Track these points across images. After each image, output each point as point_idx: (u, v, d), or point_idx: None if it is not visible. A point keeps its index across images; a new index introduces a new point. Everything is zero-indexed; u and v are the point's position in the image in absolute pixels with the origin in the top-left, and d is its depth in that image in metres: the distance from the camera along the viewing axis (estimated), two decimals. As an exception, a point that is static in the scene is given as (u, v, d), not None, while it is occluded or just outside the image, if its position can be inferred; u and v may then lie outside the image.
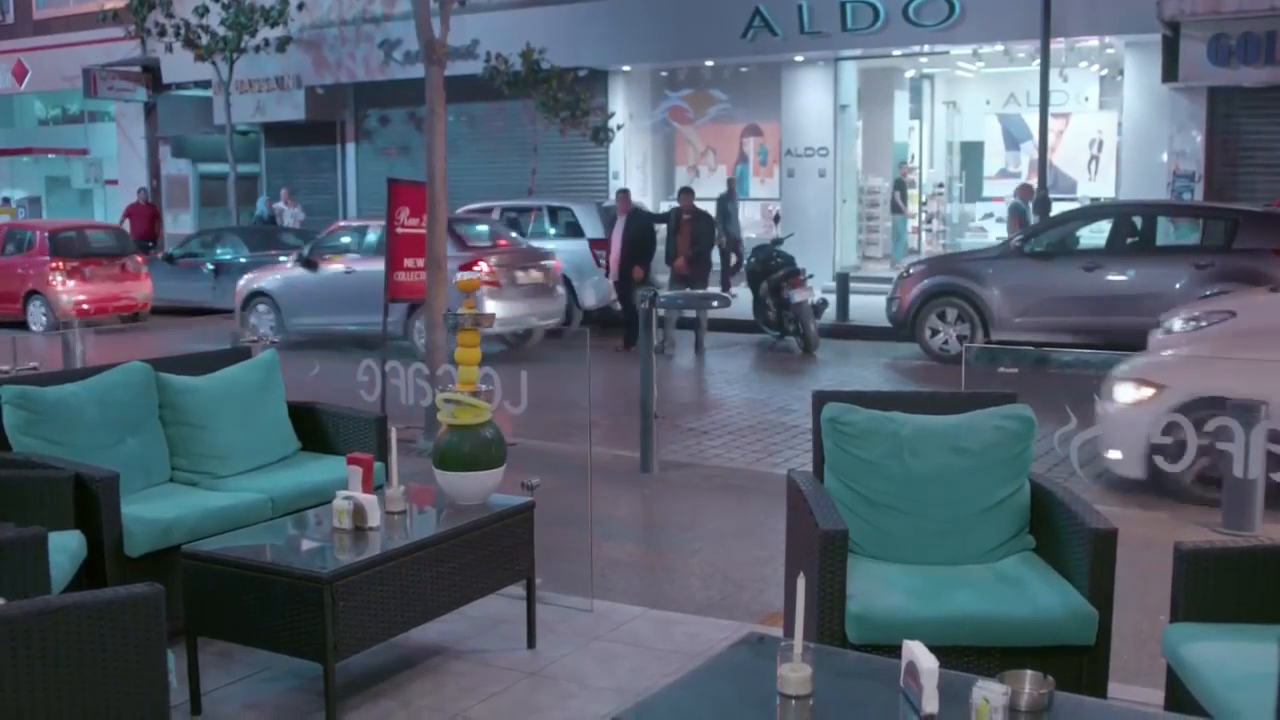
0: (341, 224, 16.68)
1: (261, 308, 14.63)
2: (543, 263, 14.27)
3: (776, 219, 20.35)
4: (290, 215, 23.07)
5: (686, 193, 14.78)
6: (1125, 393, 6.95)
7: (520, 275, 13.74)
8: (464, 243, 13.66)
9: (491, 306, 12.17)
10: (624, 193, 14.99)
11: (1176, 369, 7.02)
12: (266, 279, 14.97)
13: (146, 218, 24.15)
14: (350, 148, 25.48)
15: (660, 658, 4.61)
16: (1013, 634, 3.69)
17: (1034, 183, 17.24)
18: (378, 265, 10.32)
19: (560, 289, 14.65)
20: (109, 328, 16.21)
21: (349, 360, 6.66)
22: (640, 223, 14.41)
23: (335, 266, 14.40)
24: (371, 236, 14.27)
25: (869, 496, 4.24)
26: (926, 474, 4.21)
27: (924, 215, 23.12)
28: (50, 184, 31.82)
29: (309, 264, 14.58)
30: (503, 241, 14.61)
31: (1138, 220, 13.32)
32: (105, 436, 4.98)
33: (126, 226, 22.45)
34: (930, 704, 2.79)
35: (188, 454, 5.31)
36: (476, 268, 12.88)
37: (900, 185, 21.87)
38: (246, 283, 15.27)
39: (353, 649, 4.02)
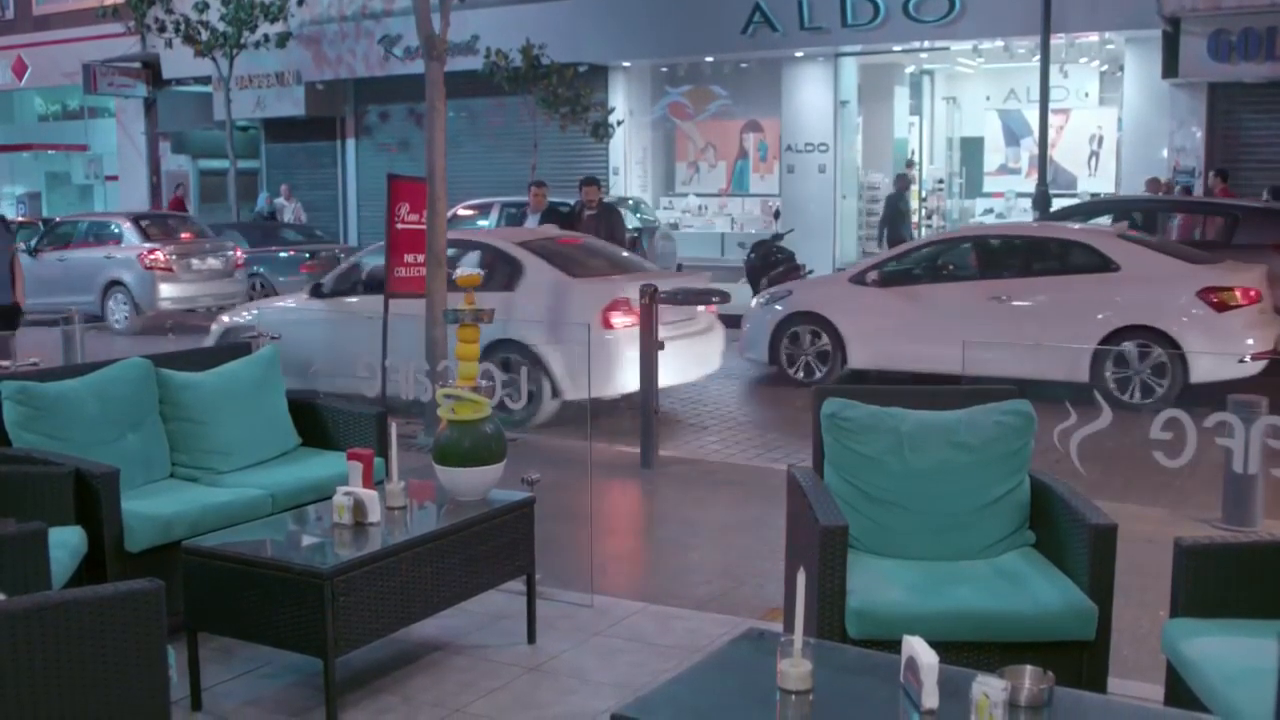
0: (60, 218, 19.72)
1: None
2: (222, 253, 17.13)
3: (777, 215, 20.35)
4: (290, 211, 23.07)
5: (591, 184, 12.11)
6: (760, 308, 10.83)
7: (196, 262, 16.69)
8: (147, 235, 17.01)
9: (167, 290, 16.30)
10: (540, 185, 12.76)
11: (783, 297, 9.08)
12: None
13: (185, 210, 24.22)
14: (350, 143, 25.48)
15: (660, 653, 4.61)
16: (1013, 629, 3.69)
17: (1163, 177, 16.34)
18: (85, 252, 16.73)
19: (239, 275, 17.28)
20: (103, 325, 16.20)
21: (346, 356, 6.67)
22: (554, 222, 11.98)
23: (52, 254, 17.37)
24: (82, 225, 18.05)
25: (869, 492, 4.24)
26: (926, 469, 4.21)
27: (924, 211, 23.11)
28: (50, 180, 31.82)
29: (33, 253, 17.00)
30: (186, 235, 17.53)
31: (1138, 216, 13.31)
32: (105, 432, 4.98)
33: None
34: (930, 699, 2.80)
35: (188, 450, 5.31)
36: (152, 257, 16.34)
37: (901, 197, 21.69)
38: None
39: (353, 644, 4.02)
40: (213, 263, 16.88)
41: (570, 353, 8.67)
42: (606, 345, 8.73)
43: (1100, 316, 9.98)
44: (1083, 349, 9.81)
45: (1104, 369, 9.91)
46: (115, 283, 16.74)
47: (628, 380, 8.50)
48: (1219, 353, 9.62)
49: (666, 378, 8.37)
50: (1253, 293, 9.99)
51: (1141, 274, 10.04)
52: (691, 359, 9.57)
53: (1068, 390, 5.60)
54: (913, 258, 11.39)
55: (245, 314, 10.78)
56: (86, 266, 17.00)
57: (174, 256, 16.56)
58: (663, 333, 8.13)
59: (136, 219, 17.91)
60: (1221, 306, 9.79)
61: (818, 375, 10.98)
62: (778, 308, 11.34)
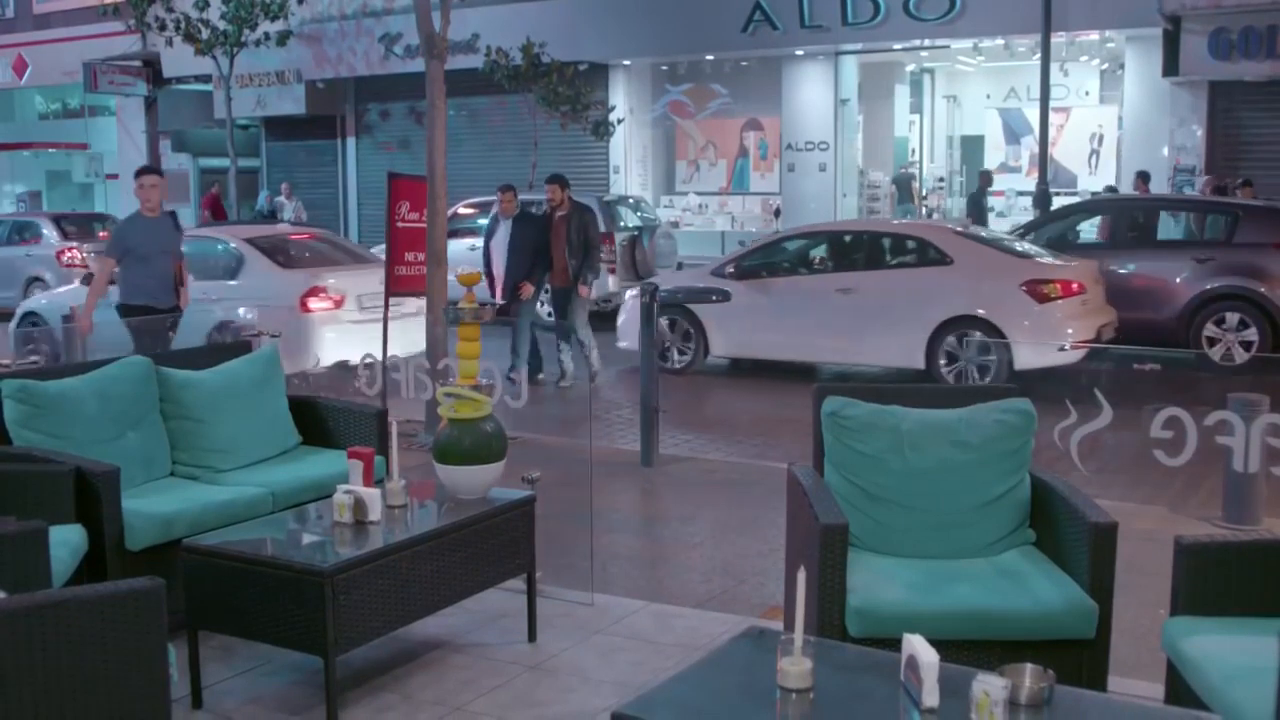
0: None
1: None
2: None
3: (777, 213, 20.36)
4: (291, 210, 23.07)
5: (557, 183, 11.08)
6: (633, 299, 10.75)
7: None
8: (65, 234, 17.82)
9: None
10: (509, 190, 11.23)
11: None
12: None
13: (221, 207, 24.26)
14: (350, 142, 25.49)
15: (661, 651, 4.61)
16: (1013, 628, 3.69)
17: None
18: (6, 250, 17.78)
19: None
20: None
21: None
22: (530, 228, 11.05)
23: None
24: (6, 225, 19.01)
25: (869, 490, 4.24)
26: (927, 468, 4.21)
27: (924, 210, 23.11)
28: (51, 178, 31.82)
29: None
30: (104, 234, 17.46)
31: (1139, 214, 13.31)
32: (106, 430, 4.98)
33: (207, 216, 23.19)
34: (930, 698, 2.80)
35: (188, 448, 5.31)
36: (69, 255, 16.81)
37: (903, 181, 21.87)
38: None
39: (353, 642, 4.02)
40: None
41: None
42: (303, 325, 10.35)
43: (934, 307, 10.54)
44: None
45: (937, 356, 10.54)
46: (36, 279, 17.67)
47: (325, 354, 9.86)
48: (1039, 342, 10.24)
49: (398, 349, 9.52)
50: (1074, 285, 10.55)
51: (972, 267, 10.64)
52: (406, 338, 10.61)
53: (1067, 389, 5.61)
54: (768, 252, 11.94)
55: None
56: (6, 264, 18.23)
57: (90, 254, 16.87)
58: (358, 316, 10.53)
59: (58, 219, 18.72)
60: (1043, 298, 10.36)
61: (682, 363, 11.71)
62: (647, 299, 11.47)
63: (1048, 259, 11.21)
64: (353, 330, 10.28)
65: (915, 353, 10.58)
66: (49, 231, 18.29)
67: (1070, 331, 10.35)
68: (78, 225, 19.03)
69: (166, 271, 8.41)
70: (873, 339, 10.83)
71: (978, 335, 10.41)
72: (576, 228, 10.89)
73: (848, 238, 12.01)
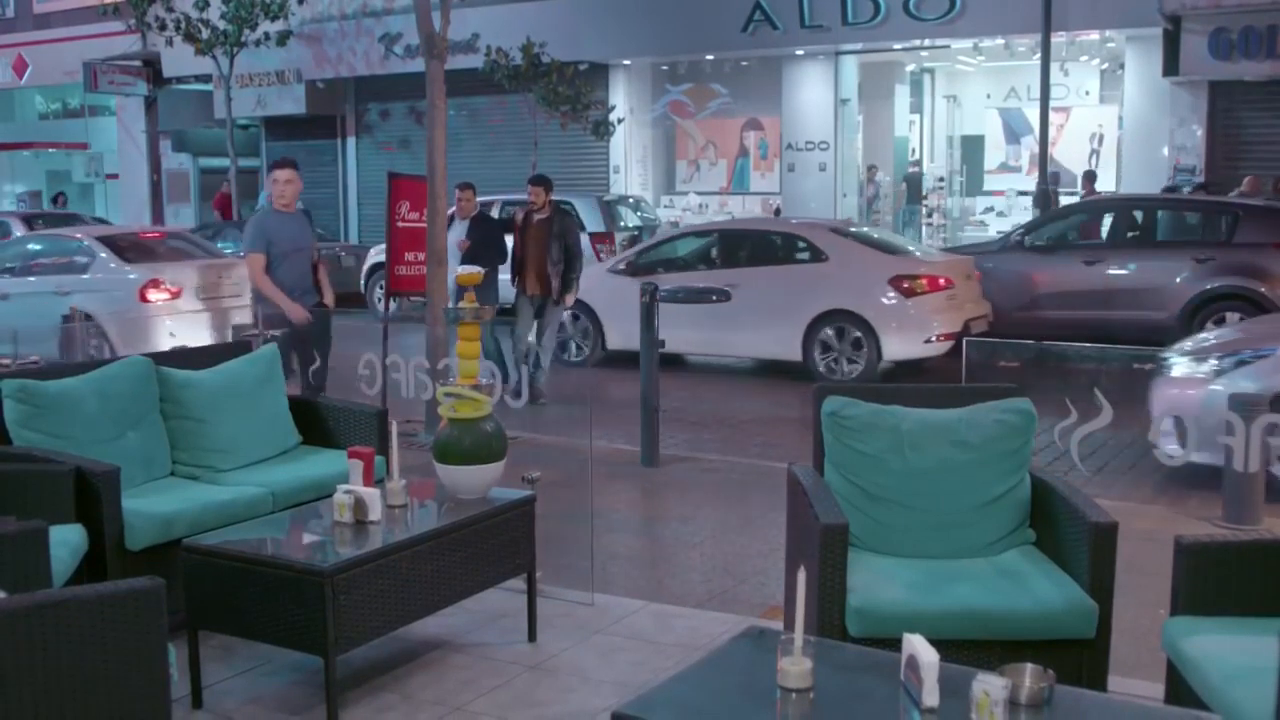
0: None
1: None
2: None
3: (777, 213, 20.35)
4: (290, 209, 23.04)
5: (542, 185, 10.41)
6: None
7: None
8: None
9: None
10: (467, 188, 10.86)
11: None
12: None
13: (230, 205, 24.30)
14: (351, 142, 25.49)
15: (661, 651, 4.61)
16: (1013, 627, 3.69)
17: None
18: None
19: None
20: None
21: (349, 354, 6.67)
22: (487, 231, 10.78)
23: None
24: None
25: (869, 490, 4.24)
26: (927, 468, 4.21)
27: (925, 209, 23.13)
28: (51, 178, 31.82)
29: None
30: None
31: (1138, 214, 13.32)
32: (106, 430, 4.98)
33: (217, 216, 23.24)
34: (930, 697, 2.80)
35: (189, 448, 5.31)
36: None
37: (913, 180, 21.94)
38: None
39: (353, 642, 4.02)
40: None
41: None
42: (142, 314, 11.64)
43: (809, 302, 11.19)
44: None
45: (813, 348, 11.23)
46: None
47: (162, 341, 10.94)
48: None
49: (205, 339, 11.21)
50: (941, 281, 11.24)
51: (845, 264, 11.30)
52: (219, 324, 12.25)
53: (1067, 388, 5.60)
54: (660, 250, 12.63)
55: None
56: None
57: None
58: (194, 305, 11.68)
59: (28, 217, 18.67)
60: (910, 293, 11.06)
61: (582, 355, 12.31)
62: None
63: (921, 256, 11.92)
64: (189, 319, 11.66)
65: (792, 345, 11.26)
66: (20, 232, 18.10)
67: (935, 324, 11.05)
68: (48, 224, 19.01)
69: (305, 270, 7.90)
70: (754, 332, 11.34)
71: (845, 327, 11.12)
72: (557, 234, 10.26)
73: (734, 236, 12.53)
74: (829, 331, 11.19)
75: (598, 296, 11.96)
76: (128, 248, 12.52)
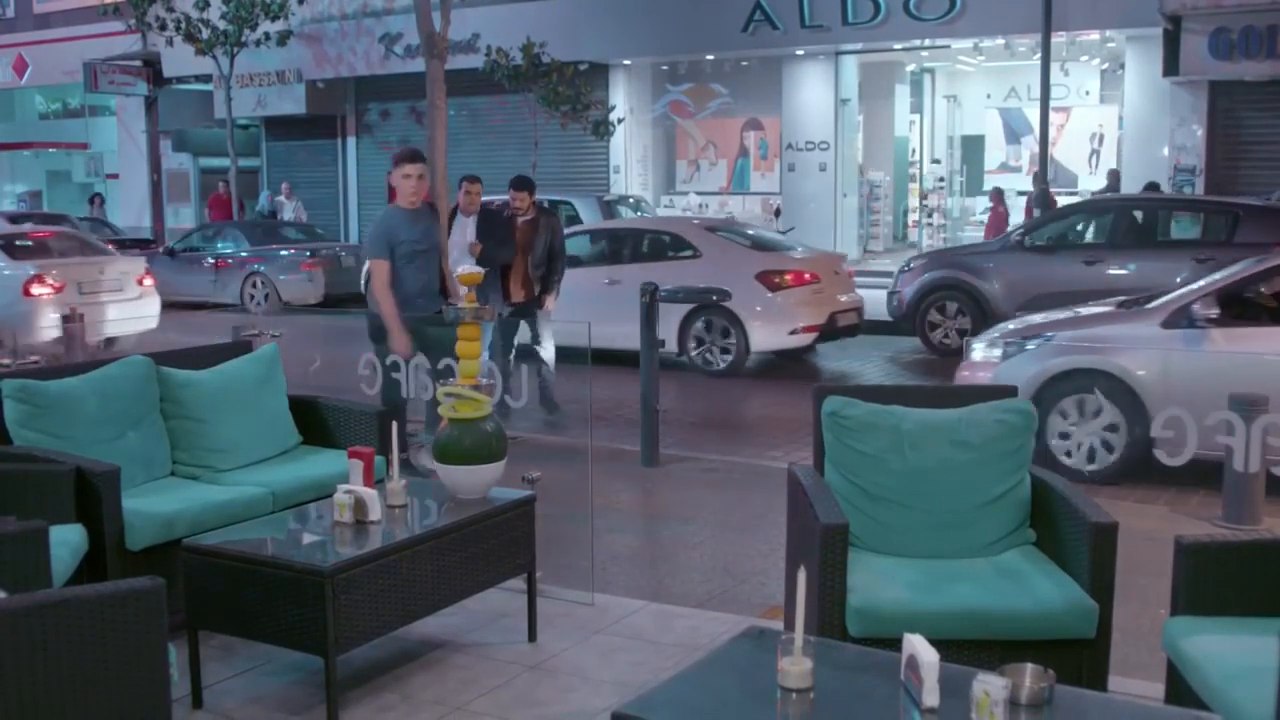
0: None
1: None
2: None
3: (777, 213, 20.36)
4: (291, 209, 23.08)
5: (523, 187, 9.95)
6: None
7: None
8: None
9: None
10: (475, 182, 9.89)
11: None
12: None
13: (226, 206, 24.34)
14: (351, 141, 25.49)
15: (661, 651, 4.62)
16: (1013, 627, 3.69)
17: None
18: None
19: None
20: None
21: (350, 354, 6.66)
22: (496, 227, 9.81)
23: None
24: None
25: (869, 490, 4.24)
26: (927, 468, 4.21)
27: (925, 209, 23.13)
28: (51, 178, 31.85)
29: None
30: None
31: (1139, 214, 13.31)
32: (106, 430, 4.98)
33: (208, 216, 23.50)
34: (931, 697, 2.80)
35: (189, 448, 5.31)
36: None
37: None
38: None
39: (354, 642, 4.02)
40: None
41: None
42: (26, 305, 12.57)
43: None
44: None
45: (688, 340, 11.92)
46: None
47: (46, 332, 12.06)
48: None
49: (111, 330, 12.84)
50: (806, 276, 11.99)
51: (716, 260, 11.88)
52: (126, 317, 13.46)
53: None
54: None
55: None
56: None
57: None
58: (77, 300, 12.05)
59: (13, 218, 18.83)
60: (774, 287, 11.76)
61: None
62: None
63: (790, 253, 12.61)
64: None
65: (668, 337, 11.50)
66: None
67: (799, 317, 11.85)
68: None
69: (433, 273, 7.28)
70: (634, 325, 11.45)
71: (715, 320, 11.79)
72: (544, 236, 9.79)
73: (618, 235, 13.25)
74: (700, 324, 11.86)
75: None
76: (18, 245, 13.61)
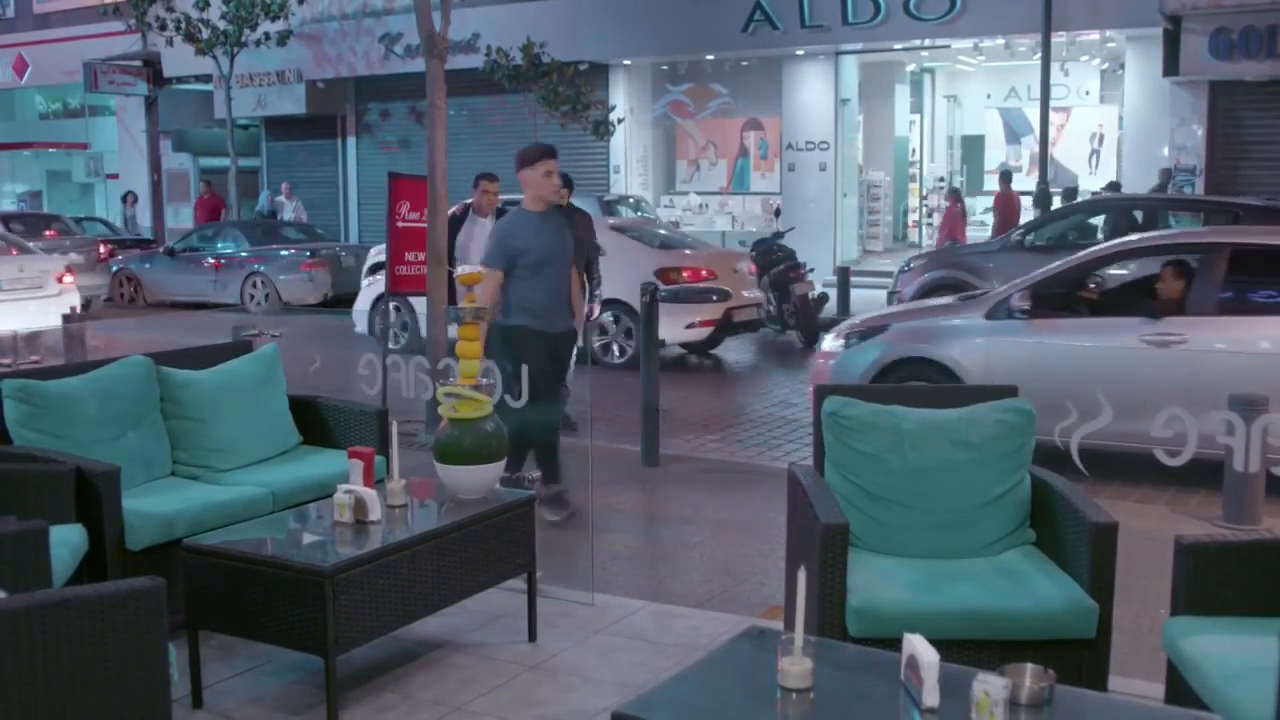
0: None
1: None
2: (85, 248, 18.74)
3: (777, 213, 20.35)
4: (291, 209, 23.08)
5: (567, 186, 9.04)
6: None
7: (58, 257, 17.20)
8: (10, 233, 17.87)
9: None
10: (493, 180, 9.22)
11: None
12: None
13: (209, 207, 24.38)
14: (351, 142, 25.49)
15: (661, 651, 4.62)
16: (1013, 627, 3.69)
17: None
18: None
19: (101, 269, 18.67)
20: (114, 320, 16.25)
21: (350, 353, 6.67)
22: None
23: None
24: None
25: (870, 490, 4.24)
26: (927, 468, 4.21)
27: (925, 209, 23.13)
28: (51, 178, 31.85)
29: None
30: (50, 232, 19.19)
31: (1139, 214, 13.31)
32: (106, 430, 4.98)
33: (196, 217, 23.63)
34: (931, 697, 2.80)
35: (189, 448, 5.31)
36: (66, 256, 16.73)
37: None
38: None
39: (354, 642, 4.02)
40: (75, 257, 17.97)
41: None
42: None
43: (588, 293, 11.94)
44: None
45: (592, 334, 12.11)
46: None
47: None
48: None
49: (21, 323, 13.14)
50: (703, 272, 12.54)
51: (618, 257, 11.96)
52: (37, 312, 13.83)
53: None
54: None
55: None
56: None
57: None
58: (12, 295, 13.49)
59: (5, 219, 19.15)
60: (670, 282, 12.14)
61: (402, 343, 13.20)
62: (371, 290, 13.80)
63: (690, 251, 13.20)
64: None
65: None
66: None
67: (696, 312, 12.33)
68: (25, 225, 19.27)
69: (560, 284, 6.53)
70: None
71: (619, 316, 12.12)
72: (579, 236, 8.73)
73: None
74: (607, 317, 12.33)
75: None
76: None
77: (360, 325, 13.77)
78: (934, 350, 7.85)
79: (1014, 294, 7.78)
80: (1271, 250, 7.74)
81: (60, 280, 14.65)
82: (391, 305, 12.58)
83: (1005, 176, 18.73)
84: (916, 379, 7.66)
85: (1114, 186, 17.09)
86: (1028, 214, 19.42)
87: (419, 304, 12.17)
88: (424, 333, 12.32)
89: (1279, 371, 6.79)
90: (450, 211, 8.94)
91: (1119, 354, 7.25)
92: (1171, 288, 7.61)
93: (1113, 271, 8.74)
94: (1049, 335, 7.61)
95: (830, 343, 8.45)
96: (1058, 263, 8.23)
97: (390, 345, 12.71)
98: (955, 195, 19.61)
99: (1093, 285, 8.21)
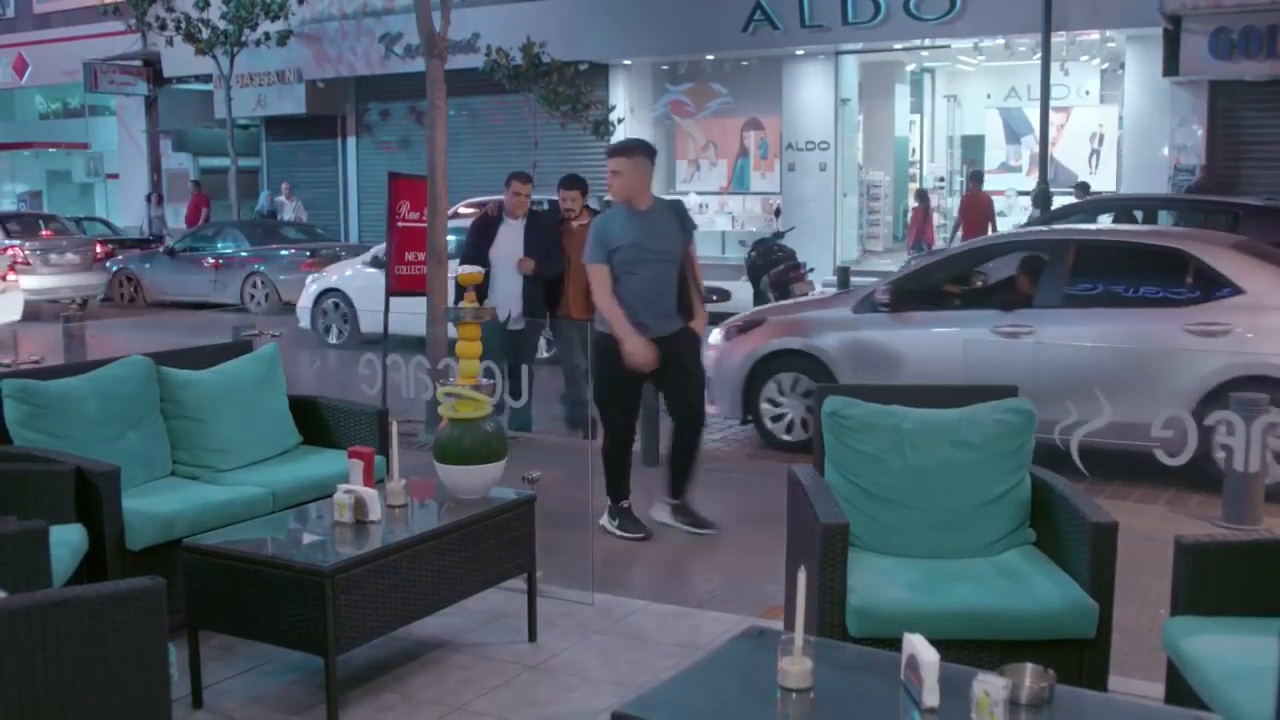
0: None
1: None
2: (82, 247, 18.86)
3: (777, 213, 20.34)
4: (291, 209, 23.08)
5: (578, 188, 9.08)
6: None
7: (55, 257, 18.27)
8: (8, 232, 18.70)
9: (26, 282, 16.80)
10: (524, 180, 8.71)
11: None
12: None
13: (191, 207, 24.39)
14: (351, 141, 25.47)
15: (661, 651, 4.62)
16: (1013, 627, 3.69)
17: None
18: None
19: (98, 268, 18.97)
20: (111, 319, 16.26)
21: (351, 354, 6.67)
22: (545, 235, 8.67)
23: None
24: None
25: (870, 490, 4.24)
26: (927, 467, 4.21)
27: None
28: (51, 178, 31.85)
29: None
30: (47, 232, 19.33)
31: (1139, 214, 13.30)
32: (106, 430, 4.98)
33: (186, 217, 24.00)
34: (931, 697, 2.80)
35: (189, 448, 5.31)
36: (9, 253, 17.03)
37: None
38: None
39: (354, 642, 4.02)
40: (71, 257, 18.48)
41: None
42: None
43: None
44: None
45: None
46: None
47: None
48: None
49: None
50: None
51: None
52: None
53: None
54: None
55: None
56: None
57: (29, 251, 18.15)
58: None
59: (2, 219, 19.41)
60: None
61: (343, 337, 14.00)
62: (313, 287, 14.65)
63: None
64: None
65: (375, 321, 12.97)
66: None
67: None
68: (21, 225, 19.37)
69: (664, 287, 6.13)
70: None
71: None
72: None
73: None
74: (330, 304, 13.08)
75: (353, 285, 14.12)
76: None
77: (303, 321, 14.41)
78: (805, 342, 8.45)
79: (878, 290, 8.30)
80: (1112, 245, 8.51)
81: (4, 279, 15.03)
82: (330, 301, 14.15)
83: (975, 177, 18.80)
84: (791, 370, 8.46)
85: (1083, 187, 17.25)
86: (1017, 215, 19.49)
87: (357, 299, 13.76)
88: (361, 326, 13.63)
89: (1120, 362, 7.15)
90: (482, 211, 8.84)
91: (973, 345, 7.57)
92: (1023, 283, 8.12)
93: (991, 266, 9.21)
94: (908, 328, 8.10)
95: (714, 337, 8.79)
96: (915, 261, 8.82)
97: (332, 340, 13.98)
98: (923, 197, 19.67)
99: (979, 281, 8.84)
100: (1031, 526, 4.24)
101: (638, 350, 5.99)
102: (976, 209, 17.80)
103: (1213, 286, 7.34)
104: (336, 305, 14.22)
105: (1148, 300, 7.63)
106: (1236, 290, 7.26)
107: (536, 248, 8.54)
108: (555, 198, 9.82)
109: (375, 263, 13.95)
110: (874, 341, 8.17)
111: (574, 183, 9.12)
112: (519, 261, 8.49)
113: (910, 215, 19.68)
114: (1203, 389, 6.88)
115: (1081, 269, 7.91)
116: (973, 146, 24.21)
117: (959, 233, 18.08)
